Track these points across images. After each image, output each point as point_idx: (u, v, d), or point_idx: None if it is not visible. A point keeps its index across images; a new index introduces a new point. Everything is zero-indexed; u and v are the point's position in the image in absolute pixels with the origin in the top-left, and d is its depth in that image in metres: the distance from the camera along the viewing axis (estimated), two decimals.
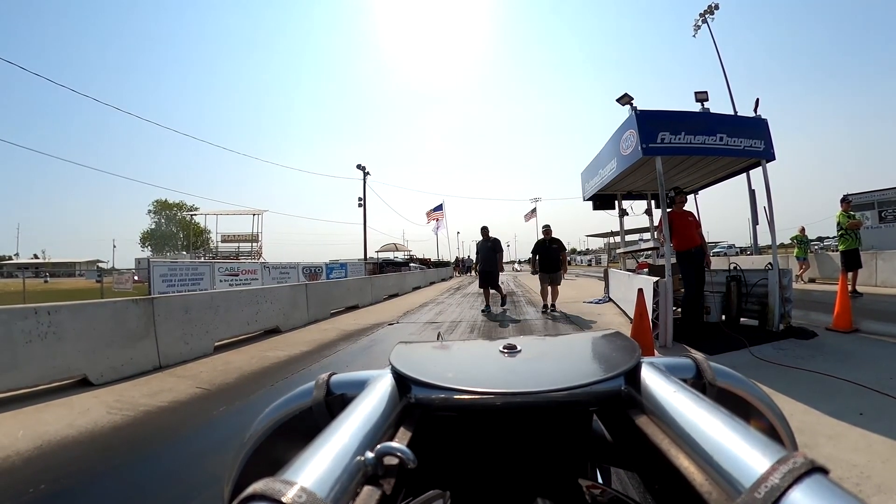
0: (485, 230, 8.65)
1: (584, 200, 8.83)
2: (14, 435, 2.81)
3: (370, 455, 0.36)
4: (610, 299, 9.03)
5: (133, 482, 2.23)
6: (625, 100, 5.16)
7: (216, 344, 5.51)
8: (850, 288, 7.77)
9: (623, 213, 8.69)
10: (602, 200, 8.59)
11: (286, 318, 7.17)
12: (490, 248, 8.58)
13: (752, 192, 5.92)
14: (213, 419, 3.10)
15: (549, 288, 8.02)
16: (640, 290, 4.20)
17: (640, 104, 5.17)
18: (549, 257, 7.98)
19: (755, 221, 5.96)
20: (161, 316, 4.77)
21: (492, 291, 8.71)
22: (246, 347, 5.68)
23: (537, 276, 8.28)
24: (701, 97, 5.25)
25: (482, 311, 8.45)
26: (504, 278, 26.11)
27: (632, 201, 8.91)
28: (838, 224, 8.04)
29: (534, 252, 8.20)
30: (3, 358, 3.51)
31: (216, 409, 3.28)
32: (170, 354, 4.77)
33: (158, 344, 4.67)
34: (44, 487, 2.15)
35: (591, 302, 9.02)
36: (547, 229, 8.10)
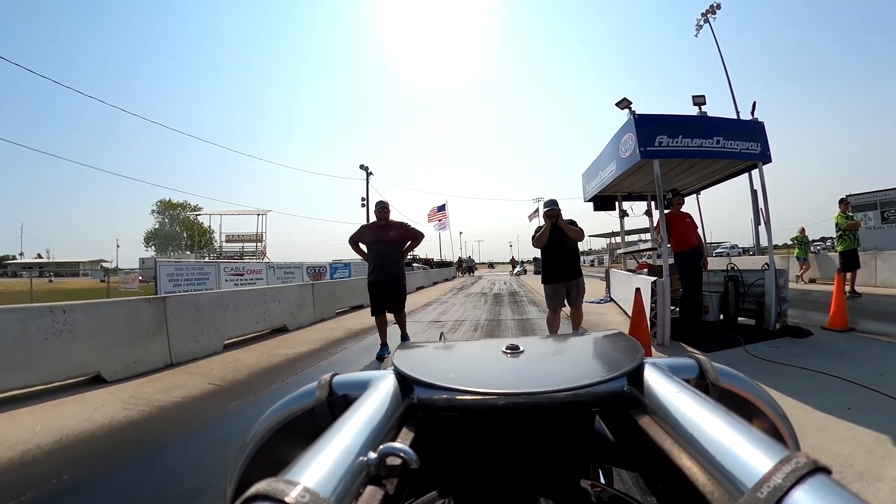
0: (381, 207, 4.92)
1: (585, 201, 8.88)
2: (33, 430, 2.86)
3: (373, 455, 0.36)
4: (611, 299, 9.13)
5: (153, 472, 2.30)
6: (623, 104, 5.25)
7: (226, 342, 5.59)
8: (848, 288, 7.84)
9: (623, 213, 8.76)
10: (603, 201, 8.65)
11: (293, 317, 7.26)
12: (390, 244, 4.85)
13: (754, 193, 5.97)
14: (227, 413, 3.19)
15: (571, 312, 4.73)
16: (638, 290, 4.30)
17: (643, 103, 5.26)
18: (562, 254, 4.56)
19: (757, 222, 6.00)
20: (173, 315, 4.86)
21: (391, 320, 4.96)
22: (255, 345, 5.77)
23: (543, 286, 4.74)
24: (699, 101, 5.34)
25: (377, 356, 4.76)
26: (507, 278, 25.71)
27: (632, 202, 8.98)
28: (837, 225, 8.11)
29: (536, 243, 4.63)
30: (19, 355, 3.56)
31: (230, 404, 3.38)
32: (181, 352, 4.85)
33: (170, 342, 4.76)
34: (67, 478, 2.21)
35: (593, 302, 9.10)
36: (552, 210, 4.50)
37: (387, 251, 4.81)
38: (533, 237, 4.70)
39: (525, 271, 34.04)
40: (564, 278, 4.50)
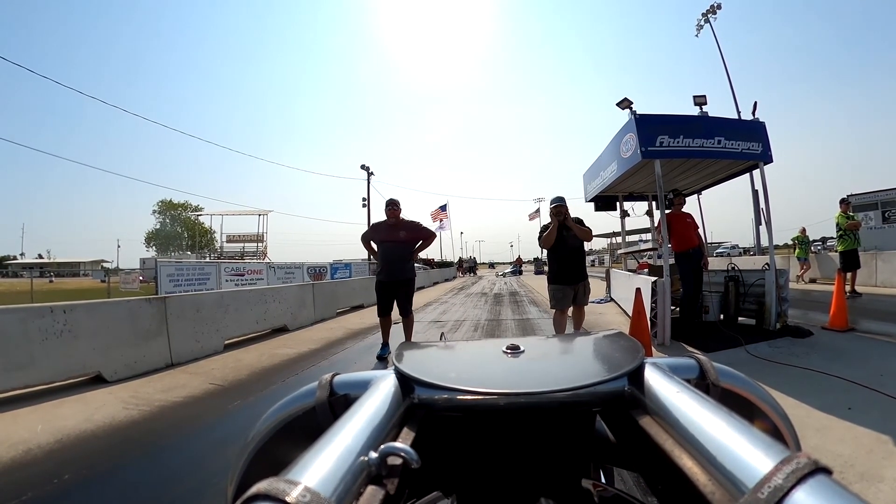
0: (391, 205, 4.72)
1: (587, 202, 8.87)
2: (34, 429, 2.86)
3: (374, 455, 0.36)
4: (611, 299, 9.13)
5: (153, 472, 2.30)
6: (624, 104, 5.25)
7: (226, 342, 5.59)
8: (849, 288, 7.84)
9: (624, 214, 8.75)
10: (604, 202, 8.63)
11: (294, 317, 7.25)
12: (400, 244, 4.66)
13: (755, 193, 5.96)
14: (228, 413, 3.19)
15: (573, 311, 4.47)
16: (638, 290, 4.30)
17: (644, 103, 5.23)
18: (569, 255, 4.34)
19: (758, 222, 6.00)
20: (173, 315, 4.86)
21: (394, 322, 4.85)
22: (255, 345, 5.77)
23: (547, 285, 4.60)
24: (699, 101, 5.34)
25: (378, 356, 4.71)
26: (508, 278, 25.70)
27: (633, 202, 8.97)
28: (837, 225, 8.12)
29: (542, 243, 4.35)
30: (20, 355, 3.56)
31: (231, 404, 3.38)
32: (182, 352, 4.85)
33: (171, 342, 4.76)
34: (68, 478, 2.22)
35: (593, 302, 9.09)
36: (559, 207, 4.24)
37: (396, 251, 4.62)
38: (539, 237, 4.44)
39: (521, 272, 32.88)
40: (571, 281, 4.30)
